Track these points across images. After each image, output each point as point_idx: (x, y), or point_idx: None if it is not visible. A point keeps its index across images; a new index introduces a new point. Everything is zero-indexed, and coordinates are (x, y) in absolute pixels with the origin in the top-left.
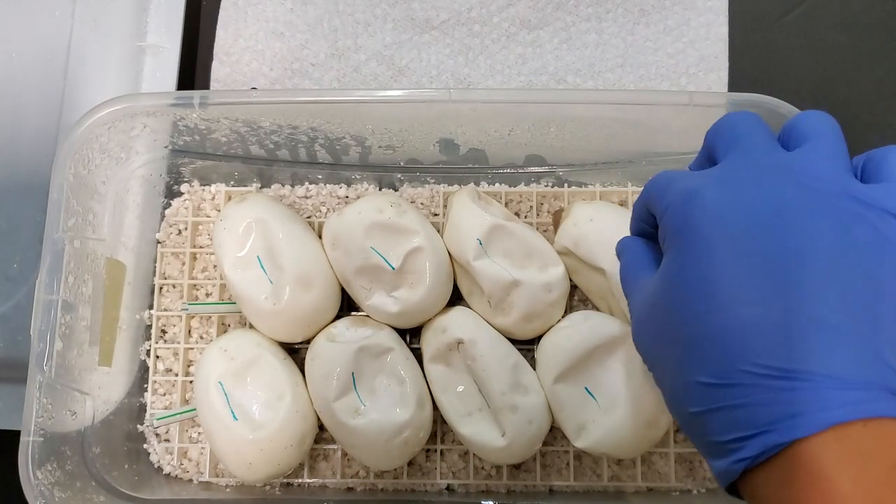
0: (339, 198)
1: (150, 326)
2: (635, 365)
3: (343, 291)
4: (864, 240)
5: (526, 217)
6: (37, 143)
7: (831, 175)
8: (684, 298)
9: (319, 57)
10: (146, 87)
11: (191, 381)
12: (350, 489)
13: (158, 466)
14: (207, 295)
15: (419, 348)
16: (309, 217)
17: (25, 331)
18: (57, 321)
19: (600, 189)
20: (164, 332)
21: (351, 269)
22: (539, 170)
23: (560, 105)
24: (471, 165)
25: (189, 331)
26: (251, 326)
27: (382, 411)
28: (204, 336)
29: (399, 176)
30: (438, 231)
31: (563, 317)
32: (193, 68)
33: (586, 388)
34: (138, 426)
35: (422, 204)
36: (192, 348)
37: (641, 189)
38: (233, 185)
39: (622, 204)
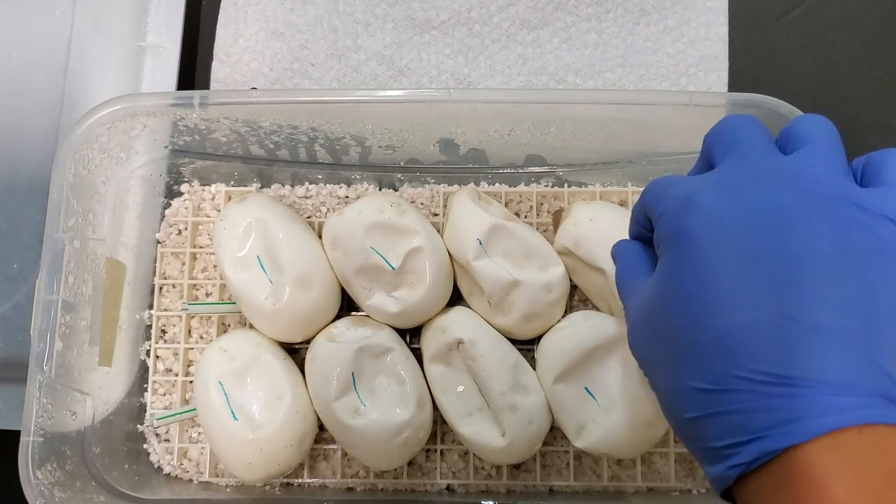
0: (339, 198)
1: (150, 326)
2: (635, 365)
3: (343, 291)
4: (862, 244)
5: (526, 217)
6: (37, 142)
7: (829, 179)
8: (679, 302)
9: (319, 57)
10: (146, 87)
11: (191, 381)
12: (350, 489)
13: (158, 466)
14: (207, 295)
15: (419, 348)
16: (309, 217)
17: (25, 331)
18: (57, 321)
19: (600, 189)
20: (164, 332)
21: (351, 269)
22: (539, 170)
23: (560, 105)
24: (471, 165)
25: (189, 331)
26: (251, 326)
27: (382, 411)
28: (204, 336)
29: (399, 176)
30: (438, 231)
31: (563, 317)
32: (193, 68)
33: (586, 388)
34: (138, 426)
35: (422, 204)
36: (192, 348)
37: (641, 189)
38: (233, 185)
39: (622, 204)
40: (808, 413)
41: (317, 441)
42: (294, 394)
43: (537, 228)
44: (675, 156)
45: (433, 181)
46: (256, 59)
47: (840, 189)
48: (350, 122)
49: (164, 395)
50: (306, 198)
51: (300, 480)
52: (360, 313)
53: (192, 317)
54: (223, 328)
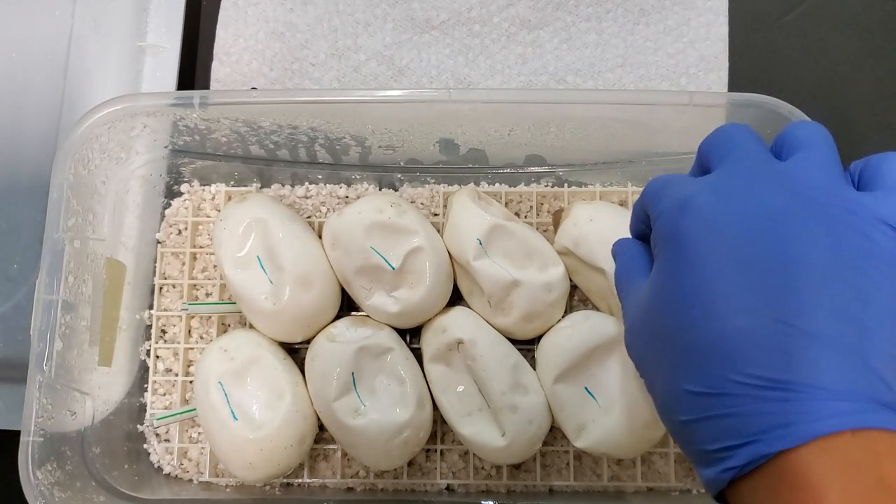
0: (339, 198)
1: (150, 326)
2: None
3: (343, 291)
4: (857, 249)
5: (526, 217)
6: (37, 142)
7: (825, 183)
8: (676, 305)
9: (319, 57)
10: (146, 87)
11: (191, 381)
12: (350, 489)
13: (158, 466)
14: (207, 295)
15: (419, 348)
16: (309, 217)
17: (25, 331)
18: (57, 321)
19: (600, 189)
20: (164, 332)
21: (351, 269)
22: (539, 170)
23: (560, 105)
24: (471, 165)
25: (189, 331)
26: (251, 326)
27: (382, 411)
28: (204, 336)
29: (399, 176)
30: (438, 231)
31: (563, 317)
32: (193, 68)
33: (586, 388)
34: (138, 426)
35: (422, 204)
36: (192, 348)
37: (641, 189)
38: (233, 185)
39: (622, 204)
40: (802, 418)
41: (317, 441)
42: (294, 394)
43: (537, 228)
44: (675, 156)
45: (433, 181)
46: (256, 59)
47: (836, 194)
48: (350, 122)
49: (164, 395)
50: (306, 198)
51: (300, 480)
52: (360, 313)
53: (192, 317)
54: (223, 328)
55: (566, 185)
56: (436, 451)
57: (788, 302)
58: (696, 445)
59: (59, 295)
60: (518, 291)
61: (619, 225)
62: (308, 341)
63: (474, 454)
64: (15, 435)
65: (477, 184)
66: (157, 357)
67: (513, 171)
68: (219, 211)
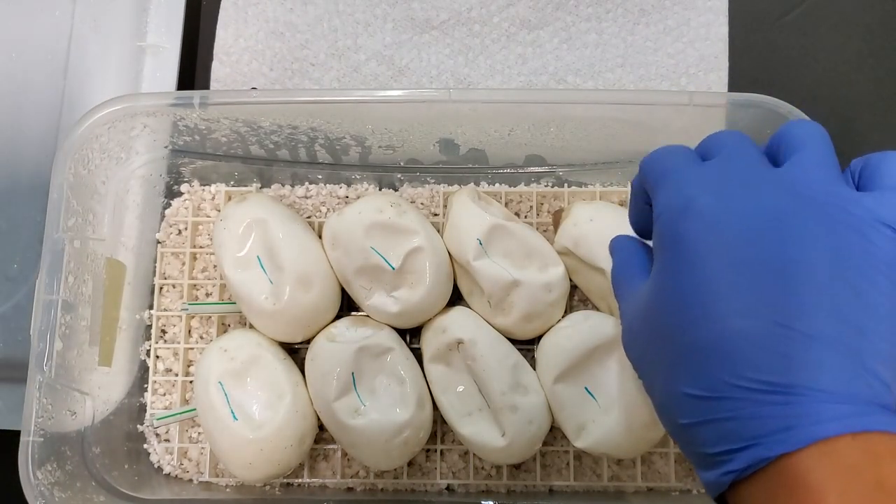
0: (339, 198)
1: (150, 326)
2: None
3: (343, 291)
4: (856, 250)
5: (526, 217)
6: (37, 142)
7: (824, 184)
8: (675, 305)
9: (319, 57)
10: (146, 87)
11: (191, 381)
12: (350, 489)
13: (158, 466)
14: (207, 295)
15: (419, 348)
16: (309, 217)
17: (25, 331)
18: (57, 321)
19: (600, 189)
20: (164, 332)
21: (351, 269)
22: (539, 170)
23: (560, 105)
24: (471, 165)
25: (189, 331)
26: (251, 326)
27: (382, 411)
28: (204, 336)
29: (399, 176)
30: (438, 231)
31: (563, 317)
32: (193, 68)
33: (586, 388)
34: (138, 426)
35: (422, 204)
36: (192, 348)
37: None
38: (233, 185)
39: (622, 204)
40: (802, 421)
41: (317, 441)
42: (294, 394)
43: (537, 228)
44: None
45: (433, 181)
46: (256, 59)
47: (835, 193)
48: (350, 122)
49: (164, 395)
50: (306, 198)
51: (300, 480)
52: (360, 313)
53: (192, 317)
54: (223, 328)
55: (566, 185)
56: (436, 451)
57: (788, 303)
58: (696, 448)
59: (59, 295)
60: (518, 291)
61: (619, 225)
62: (308, 341)
63: (474, 454)
64: (15, 435)
65: (477, 184)
66: (157, 357)
67: (513, 171)
68: (219, 211)
